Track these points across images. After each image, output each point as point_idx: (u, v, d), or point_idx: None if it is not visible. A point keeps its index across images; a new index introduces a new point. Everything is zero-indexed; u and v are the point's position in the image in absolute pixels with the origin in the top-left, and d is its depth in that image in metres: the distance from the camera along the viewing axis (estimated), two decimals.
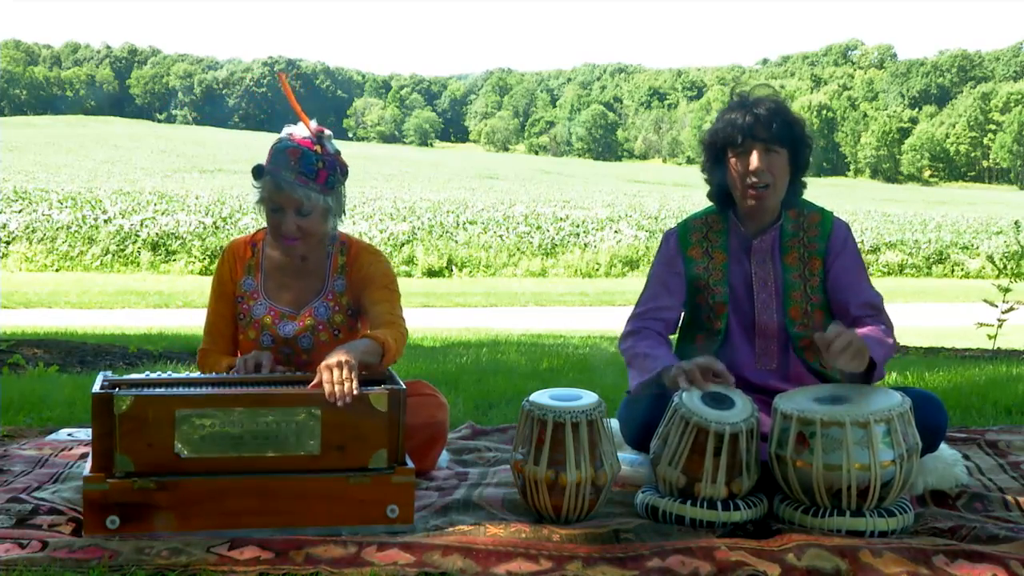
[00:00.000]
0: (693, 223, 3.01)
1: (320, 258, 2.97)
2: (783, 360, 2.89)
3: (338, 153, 2.86)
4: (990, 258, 10.62)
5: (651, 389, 2.75)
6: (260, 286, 2.97)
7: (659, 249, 3.03)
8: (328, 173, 2.80)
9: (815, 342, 2.59)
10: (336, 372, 2.48)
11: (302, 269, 2.97)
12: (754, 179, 2.78)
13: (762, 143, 2.77)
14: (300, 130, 2.84)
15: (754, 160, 2.77)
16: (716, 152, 2.87)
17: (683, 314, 3.01)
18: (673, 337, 3.02)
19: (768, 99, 2.84)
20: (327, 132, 2.86)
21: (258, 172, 2.81)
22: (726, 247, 2.94)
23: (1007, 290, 7.01)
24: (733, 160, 2.82)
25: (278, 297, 2.96)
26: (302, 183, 2.76)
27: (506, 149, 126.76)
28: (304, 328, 2.92)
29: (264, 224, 2.96)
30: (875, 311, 2.83)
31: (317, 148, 2.80)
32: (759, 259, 2.91)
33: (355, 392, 2.47)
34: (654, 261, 3.03)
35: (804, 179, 2.94)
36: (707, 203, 3.02)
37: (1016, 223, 8.34)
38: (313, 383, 2.51)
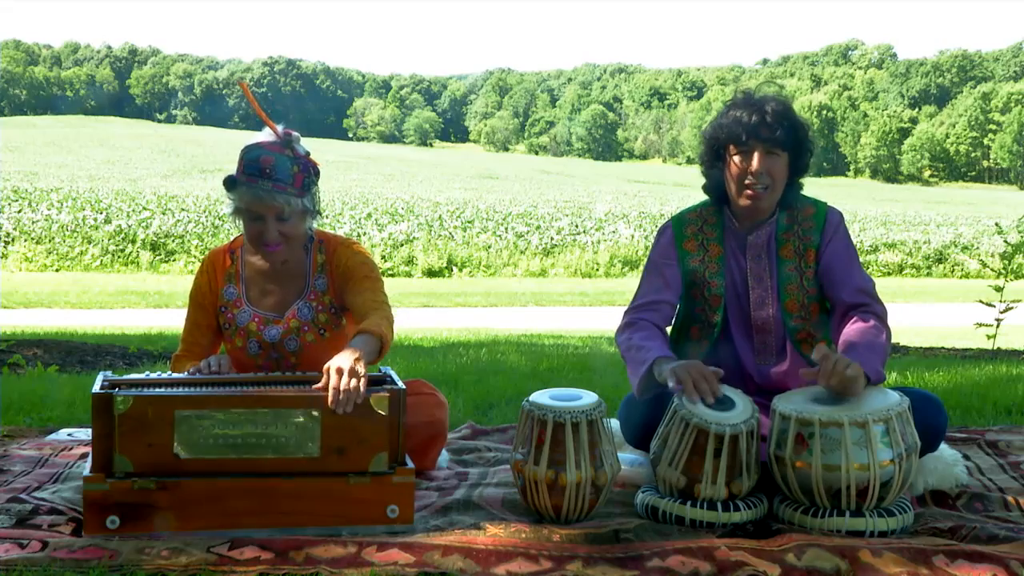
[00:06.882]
0: (688, 216, 2.99)
1: (299, 259, 2.96)
2: (783, 355, 2.89)
3: (308, 154, 2.85)
4: (983, 262, 10.64)
5: (650, 391, 2.75)
6: (242, 294, 2.97)
7: (655, 242, 3.01)
8: (303, 176, 2.80)
9: (807, 373, 2.59)
10: (345, 378, 2.47)
11: (283, 272, 2.95)
12: (752, 180, 2.78)
13: (765, 144, 2.76)
14: (268, 136, 2.81)
15: (755, 161, 2.77)
16: (717, 147, 2.86)
17: (679, 307, 2.99)
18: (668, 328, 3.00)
19: (775, 99, 2.82)
20: (295, 134, 2.85)
21: (231, 183, 2.76)
22: (721, 240, 2.93)
23: (1000, 289, 7.01)
24: (734, 157, 2.81)
25: (261, 303, 2.96)
26: (280, 189, 2.73)
27: (506, 149, 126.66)
28: (289, 331, 2.92)
29: (241, 232, 2.92)
30: (868, 297, 2.83)
31: (288, 152, 2.78)
32: (754, 254, 2.90)
33: (359, 400, 2.47)
34: (650, 254, 3.01)
35: (801, 180, 2.93)
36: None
37: (997, 224, 8.36)
38: (319, 384, 2.51)
